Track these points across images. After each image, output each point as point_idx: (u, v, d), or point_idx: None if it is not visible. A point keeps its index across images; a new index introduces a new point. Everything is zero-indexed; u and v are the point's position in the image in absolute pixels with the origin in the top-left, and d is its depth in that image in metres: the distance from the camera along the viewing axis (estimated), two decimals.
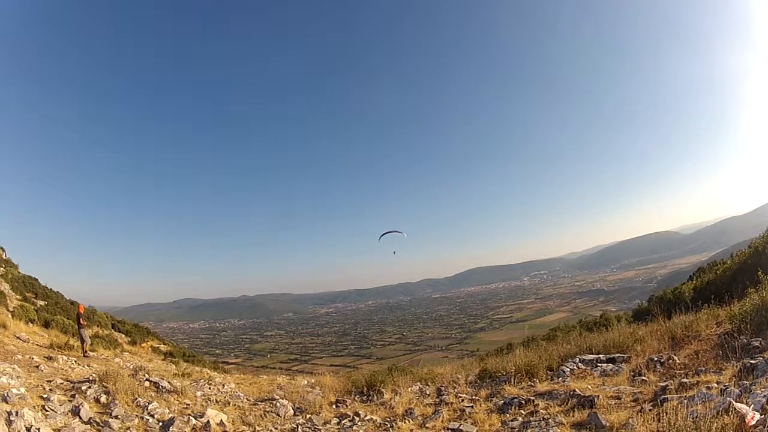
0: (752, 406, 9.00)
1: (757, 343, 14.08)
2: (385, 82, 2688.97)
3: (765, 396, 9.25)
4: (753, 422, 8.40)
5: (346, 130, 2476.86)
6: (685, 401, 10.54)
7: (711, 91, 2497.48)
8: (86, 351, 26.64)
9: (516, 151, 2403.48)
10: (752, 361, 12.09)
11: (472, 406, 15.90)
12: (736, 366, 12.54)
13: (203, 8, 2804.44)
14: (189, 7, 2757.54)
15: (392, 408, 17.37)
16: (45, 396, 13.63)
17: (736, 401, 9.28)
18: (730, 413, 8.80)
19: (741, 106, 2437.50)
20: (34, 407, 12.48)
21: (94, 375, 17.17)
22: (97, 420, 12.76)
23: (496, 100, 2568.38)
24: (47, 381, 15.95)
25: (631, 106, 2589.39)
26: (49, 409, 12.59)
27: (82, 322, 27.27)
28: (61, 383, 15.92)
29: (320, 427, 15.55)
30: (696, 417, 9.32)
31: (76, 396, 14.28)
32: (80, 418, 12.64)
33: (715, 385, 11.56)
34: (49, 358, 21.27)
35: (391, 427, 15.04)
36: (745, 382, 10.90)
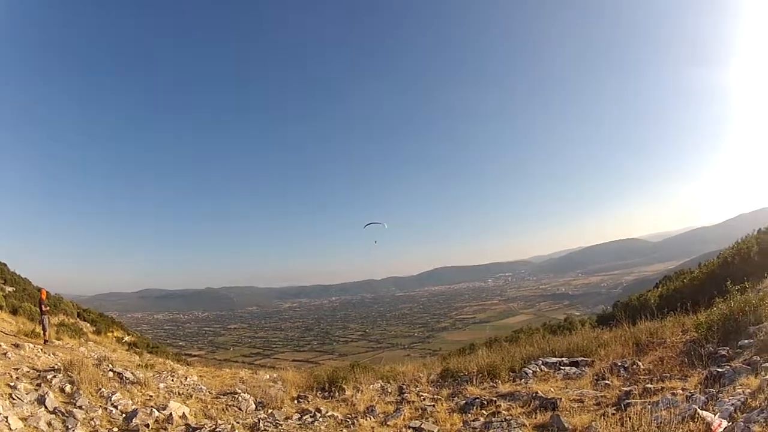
0: (719, 414, 9.02)
1: (724, 352, 14.13)
2: (367, 79, 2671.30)
3: (732, 404, 9.27)
4: (720, 430, 8.52)
5: (313, 124, 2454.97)
6: (650, 406, 10.57)
7: (686, 103, 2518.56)
8: (47, 338, 26.30)
9: (484, 152, 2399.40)
10: (719, 370, 12.12)
11: (433, 405, 15.97)
12: (702, 373, 12.57)
13: (203, 8, 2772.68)
14: (188, 6, 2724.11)
15: (354, 405, 17.37)
16: (12, 384, 13.58)
17: (702, 408, 9.32)
18: (695, 420, 8.85)
19: (716, 119, 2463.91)
20: (2, 395, 12.50)
21: (59, 364, 17.07)
22: (62, 410, 12.72)
23: (463, 101, 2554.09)
24: (14, 369, 15.83)
25: (601, 115, 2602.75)
26: (16, 398, 12.56)
27: (44, 308, 26.81)
28: (28, 371, 15.82)
29: (282, 423, 15.39)
30: (660, 422, 9.36)
31: (42, 385, 14.23)
32: (46, 407, 12.62)
33: (680, 391, 11.59)
34: (16, 346, 21.04)
35: (353, 423, 14.97)
36: (712, 389, 10.94)
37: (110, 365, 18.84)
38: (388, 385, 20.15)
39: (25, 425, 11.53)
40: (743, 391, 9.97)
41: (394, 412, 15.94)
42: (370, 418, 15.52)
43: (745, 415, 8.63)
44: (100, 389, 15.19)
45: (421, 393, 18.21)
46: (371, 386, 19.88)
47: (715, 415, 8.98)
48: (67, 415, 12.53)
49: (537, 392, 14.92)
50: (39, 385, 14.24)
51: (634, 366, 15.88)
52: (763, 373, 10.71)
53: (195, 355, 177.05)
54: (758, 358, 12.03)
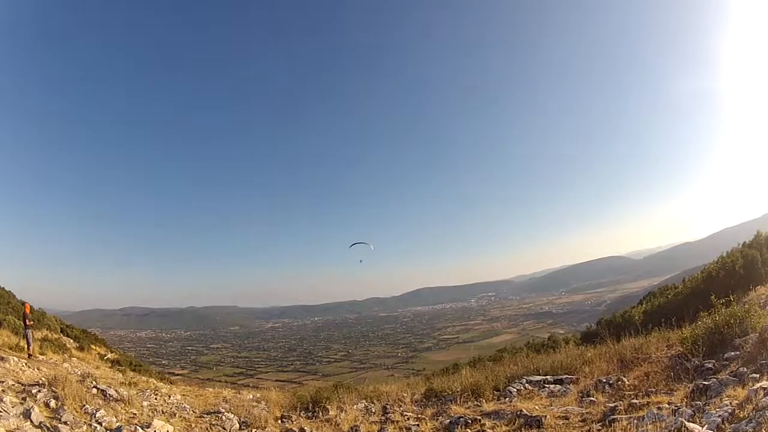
0: (707, 426, 9.00)
1: (710, 365, 14.17)
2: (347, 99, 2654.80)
3: (720, 416, 9.24)
4: None
5: (294, 143, 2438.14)
6: (635, 421, 10.60)
7: (670, 119, 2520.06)
8: (31, 353, 25.98)
9: (466, 173, 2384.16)
10: (705, 382, 12.15)
11: (418, 425, 15.98)
12: (689, 387, 12.59)
13: (197, 8, 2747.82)
14: (191, 7, 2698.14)
15: (338, 425, 17.35)
16: None
17: (688, 421, 9.29)
18: None
19: (699, 134, 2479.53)
20: None
21: (43, 379, 16.96)
22: (48, 425, 12.55)
23: (444, 117, 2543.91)
24: (0, 382, 15.84)
25: (584, 133, 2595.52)
26: (2, 410, 12.46)
27: (28, 322, 26.51)
28: (13, 385, 15.63)
29: None
30: None
31: (27, 399, 14.06)
32: (31, 421, 12.47)
33: (666, 405, 11.60)
34: (1, 359, 20.86)
35: None
36: (698, 402, 10.96)
37: (94, 382, 18.67)
38: (372, 404, 20.13)
39: None
40: (730, 403, 9.96)
41: (378, 431, 15.95)
42: None
43: (733, 425, 8.61)
44: (84, 406, 15.05)
45: (405, 413, 18.25)
46: (355, 406, 19.85)
47: (702, 427, 8.96)
48: (52, 430, 12.41)
49: (522, 410, 14.94)
50: (24, 399, 14.10)
51: (619, 382, 15.95)
52: (750, 383, 10.71)
53: (178, 374, 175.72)
54: (745, 370, 12.07)
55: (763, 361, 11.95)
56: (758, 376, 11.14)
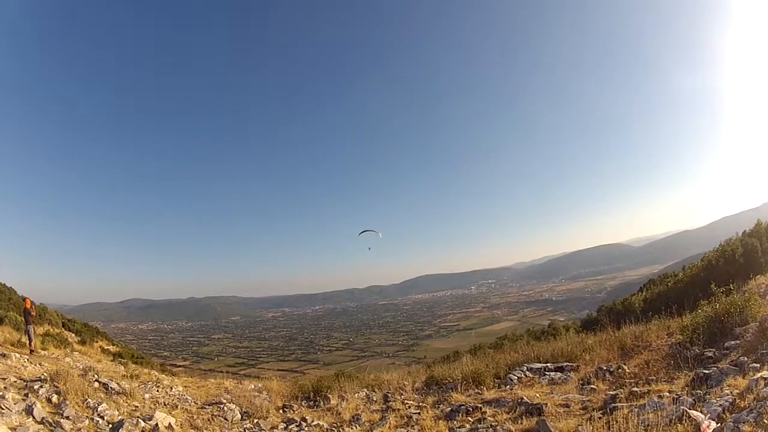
0: (708, 415, 9.00)
1: (710, 354, 14.18)
2: (369, 85, 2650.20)
3: (720, 405, 9.25)
4: (709, 431, 8.52)
5: (295, 130, 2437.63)
6: (636, 409, 10.56)
7: (672, 109, 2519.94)
8: (33, 348, 25.82)
9: (465, 162, 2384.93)
10: (705, 371, 12.14)
11: (419, 413, 15.97)
12: (689, 375, 12.60)
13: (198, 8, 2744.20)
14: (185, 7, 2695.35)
15: (339, 414, 17.39)
16: (0, 394, 13.53)
17: (689, 410, 9.41)
18: (683, 421, 8.83)
19: (700, 125, 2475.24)
20: None
21: (45, 374, 16.90)
22: (50, 420, 12.54)
23: (451, 109, 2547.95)
24: (2, 378, 15.60)
25: (583, 122, 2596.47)
26: (4, 407, 12.37)
27: (32, 313, 26.43)
28: (15, 381, 15.57)
29: None
30: (648, 425, 9.36)
31: (29, 395, 14.02)
32: (33, 417, 12.43)
33: (667, 394, 11.60)
34: (3, 355, 20.80)
35: None
36: (699, 391, 10.95)
37: (96, 376, 18.62)
38: (373, 393, 20.15)
39: None
40: (731, 392, 9.96)
41: (379, 420, 15.96)
42: (356, 427, 15.59)
43: (734, 415, 8.60)
44: (86, 400, 15.05)
45: (406, 401, 18.25)
46: (356, 395, 19.91)
47: (704, 415, 8.99)
48: (54, 425, 12.40)
49: (522, 398, 14.96)
50: (26, 395, 14.05)
51: (620, 370, 15.96)
52: (750, 373, 10.71)
53: (180, 366, 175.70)
54: (745, 359, 12.06)
55: (764, 351, 11.94)
56: (759, 366, 11.15)
